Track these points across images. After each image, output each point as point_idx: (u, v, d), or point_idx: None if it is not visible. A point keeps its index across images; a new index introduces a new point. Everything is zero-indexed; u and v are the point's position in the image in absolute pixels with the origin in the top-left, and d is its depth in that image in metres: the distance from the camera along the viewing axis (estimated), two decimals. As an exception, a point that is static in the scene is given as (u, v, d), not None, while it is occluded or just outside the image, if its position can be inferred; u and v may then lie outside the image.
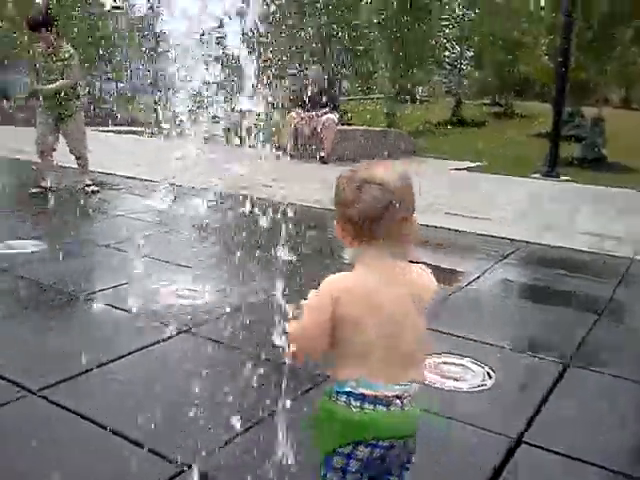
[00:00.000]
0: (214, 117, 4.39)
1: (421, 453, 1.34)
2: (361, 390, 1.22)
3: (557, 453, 1.91)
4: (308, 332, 1.26)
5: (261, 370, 2.16)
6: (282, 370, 1.99)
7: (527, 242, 4.78)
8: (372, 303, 1.24)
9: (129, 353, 2.46)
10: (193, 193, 5.25)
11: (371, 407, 1.22)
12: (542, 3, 15.66)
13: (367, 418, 1.22)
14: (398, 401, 1.24)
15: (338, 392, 1.25)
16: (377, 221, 1.23)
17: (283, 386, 2.01)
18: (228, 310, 2.91)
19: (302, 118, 9.35)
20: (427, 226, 5.00)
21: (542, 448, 1.94)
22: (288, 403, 1.88)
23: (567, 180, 9.09)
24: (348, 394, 1.23)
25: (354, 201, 1.24)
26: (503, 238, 4.88)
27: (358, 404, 1.23)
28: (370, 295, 1.25)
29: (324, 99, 9.33)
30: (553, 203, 6.89)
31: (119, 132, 13.19)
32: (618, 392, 2.39)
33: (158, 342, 2.56)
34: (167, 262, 3.73)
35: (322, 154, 9.02)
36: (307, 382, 2.22)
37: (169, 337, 2.59)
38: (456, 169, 9.61)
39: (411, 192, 1.29)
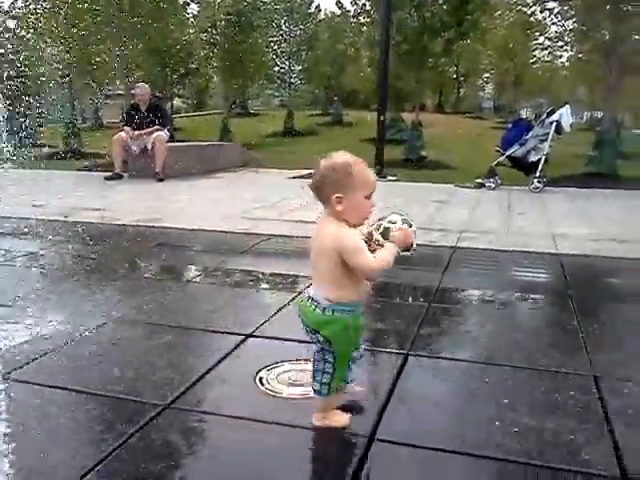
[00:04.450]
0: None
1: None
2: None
3: (411, 445, 1.92)
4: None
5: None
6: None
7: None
8: None
9: None
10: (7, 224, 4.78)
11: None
12: (362, 19, 16.51)
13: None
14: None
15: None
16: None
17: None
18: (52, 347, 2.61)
19: (131, 137, 9.02)
20: (282, 236, 5.00)
21: (394, 443, 1.92)
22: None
23: (394, 180, 9.64)
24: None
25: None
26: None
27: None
28: None
29: (152, 117, 9.08)
30: (379, 202, 7.19)
31: None
32: (459, 374, 2.47)
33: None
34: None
35: (157, 170, 8.76)
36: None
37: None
38: (293, 177, 9.75)
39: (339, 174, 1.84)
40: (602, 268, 4.33)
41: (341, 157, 1.87)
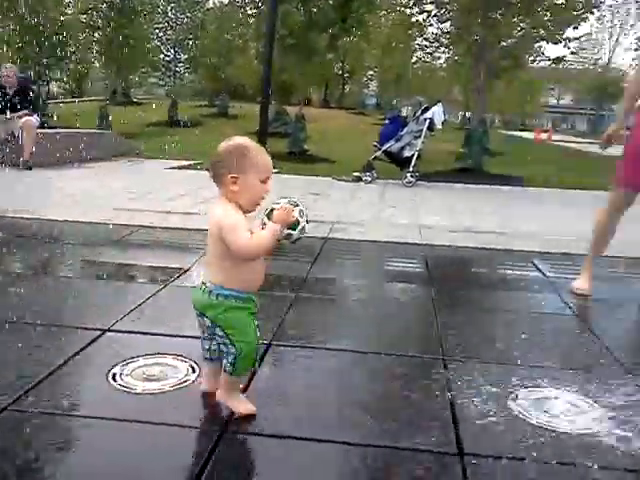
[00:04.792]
0: None
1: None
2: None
3: (264, 435, 1.93)
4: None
5: None
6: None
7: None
8: None
9: None
10: None
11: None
12: (249, 10, 16.38)
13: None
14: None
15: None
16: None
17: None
18: None
19: (-2, 121, 8.40)
20: (158, 228, 4.84)
21: (246, 433, 1.93)
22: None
23: (276, 172, 9.62)
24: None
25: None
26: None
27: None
28: None
29: (20, 101, 8.50)
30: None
31: None
32: (319, 362, 2.52)
33: None
34: None
35: (25, 158, 8.20)
36: None
37: None
38: (172, 168, 9.53)
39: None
40: (458, 257, 4.62)
41: (239, 139, 1.93)
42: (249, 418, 2.01)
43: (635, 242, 4.40)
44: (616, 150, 3.61)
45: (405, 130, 8.99)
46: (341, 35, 12.76)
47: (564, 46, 10.39)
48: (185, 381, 2.25)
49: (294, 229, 1.92)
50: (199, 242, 4.56)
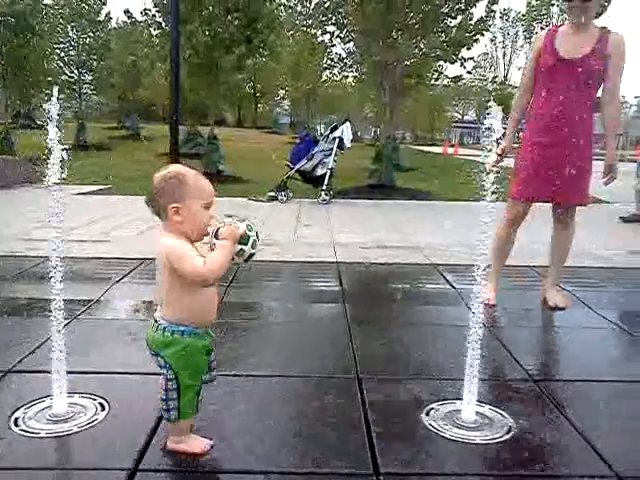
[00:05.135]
0: None
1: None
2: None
3: (178, 471, 1.89)
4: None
5: None
6: None
7: (147, 259, 4.80)
8: None
9: None
10: None
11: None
12: (153, 31, 16.07)
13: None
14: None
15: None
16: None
17: None
18: None
19: None
20: (65, 258, 4.63)
21: (159, 470, 1.88)
22: None
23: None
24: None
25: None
26: (125, 258, 4.81)
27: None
28: None
29: None
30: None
31: None
32: (239, 390, 2.47)
33: None
34: None
35: None
36: None
37: None
38: (81, 193, 9.19)
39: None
40: (371, 273, 4.71)
41: (174, 168, 1.87)
42: (161, 454, 1.95)
43: (536, 251, 4.64)
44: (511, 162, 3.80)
45: (316, 149, 9.11)
46: (248, 55, 12.78)
47: (460, 65, 10.94)
48: (94, 420, 2.16)
49: (245, 244, 1.85)
50: (109, 271, 4.42)
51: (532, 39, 3.60)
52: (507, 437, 2.12)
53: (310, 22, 11.74)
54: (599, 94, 3.53)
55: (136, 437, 2.04)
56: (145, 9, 14.35)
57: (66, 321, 3.18)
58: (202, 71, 12.41)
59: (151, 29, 14.83)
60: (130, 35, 22.72)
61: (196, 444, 1.96)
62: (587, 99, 3.47)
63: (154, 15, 13.90)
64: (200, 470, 1.89)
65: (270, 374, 2.64)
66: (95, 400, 2.30)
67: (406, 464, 1.94)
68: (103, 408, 2.25)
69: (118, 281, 4.17)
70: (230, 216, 1.89)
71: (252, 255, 1.88)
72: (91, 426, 2.12)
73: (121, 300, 3.85)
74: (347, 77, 15.88)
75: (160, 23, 13.70)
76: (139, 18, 17.38)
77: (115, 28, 25.22)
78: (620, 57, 3.44)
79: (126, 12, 19.69)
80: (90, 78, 23.74)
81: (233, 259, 1.84)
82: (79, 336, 3.04)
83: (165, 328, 1.85)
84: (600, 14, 3.50)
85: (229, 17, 12.17)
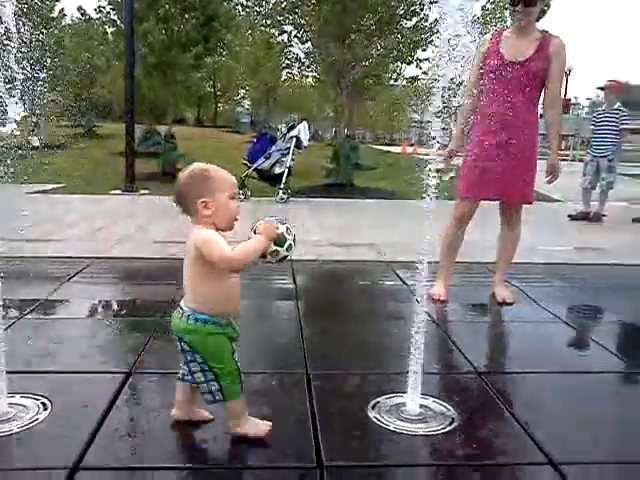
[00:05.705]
0: None
1: None
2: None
3: (121, 468, 1.88)
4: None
5: None
6: None
7: (98, 257, 4.74)
8: None
9: None
10: None
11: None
12: (108, 29, 15.79)
13: None
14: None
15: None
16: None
17: None
18: None
19: None
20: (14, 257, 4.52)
21: (100, 469, 1.86)
22: None
23: (145, 193, 9.46)
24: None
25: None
26: (75, 257, 4.72)
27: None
28: None
29: None
30: (128, 217, 7.06)
31: None
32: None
33: None
34: None
35: None
36: None
37: None
38: (34, 192, 8.98)
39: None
40: (326, 271, 4.75)
41: (196, 165, 1.97)
42: (100, 453, 1.94)
43: (487, 247, 4.75)
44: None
45: (274, 148, 9.10)
46: (205, 54, 12.69)
47: (416, 66, 11.10)
48: (35, 420, 2.13)
49: (281, 246, 1.90)
50: (58, 271, 4.33)
51: (478, 42, 3.69)
52: (450, 428, 2.16)
53: (268, 22, 11.65)
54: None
55: (77, 436, 2.02)
56: (99, 6, 14.11)
57: (11, 321, 3.14)
58: (159, 70, 12.28)
59: (106, 27, 14.57)
60: (85, 33, 22.31)
61: (257, 427, 2.02)
62: (531, 100, 3.58)
63: (108, 13, 13.67)
64: (140, 466, 1.88)
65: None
66: (37, 400, 2.26)
67: (350, 457, 1.97)
68: (45, 408, 2.21)
69: (67, 280, 4.10)
70: (272, 217, 1.97)
71: (285, 257, 1.95)
72: (32, 426, 2.08)
73: (69, 300, 3.78)
74: (307, 77, 15.91)
75: (115, 21, 13.48)
76: (93, 15, 17.06)
77: (70, 25, 24.71)
78: (561, 60, 3.56)
79: (79, 9, 19.32)
80: (44, 75, 23.19)
81: (266, 257, 1.92)
82: (24, 336, 2.98)
83: (189, 316, 1.93)
84: (540, 18, 3.60)
85: (186, 16, 12.07)
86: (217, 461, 1.95)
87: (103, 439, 2.02)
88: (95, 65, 23.09)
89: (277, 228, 1.91)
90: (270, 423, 2.05)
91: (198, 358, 1.94)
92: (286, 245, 1.92)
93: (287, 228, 1.94)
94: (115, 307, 3.79)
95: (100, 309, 3.73)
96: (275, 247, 1.91)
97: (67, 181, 10.38)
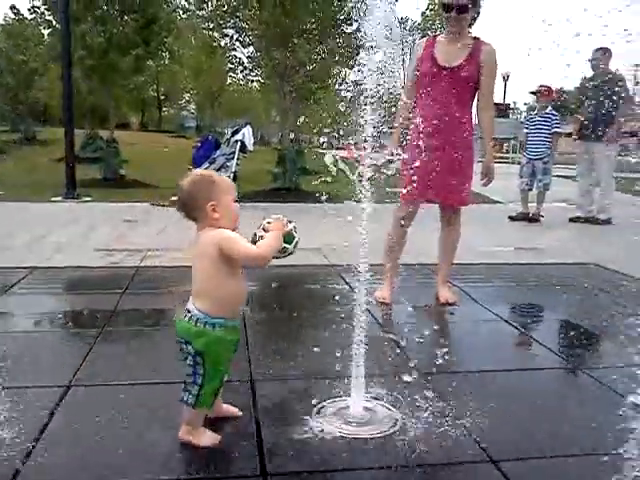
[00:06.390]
0: None
1: None
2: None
3: None
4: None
5: None
6: None
7: (38, 267, 4.59)
8: None
9: None
10: None
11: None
12: (44, 30, 15.27)
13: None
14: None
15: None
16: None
17: None
18: None
19: None
20: None
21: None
22: None
23: (87, 200, 9.25)
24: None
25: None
26: (14, 268, 4.57)
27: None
28: None
29: None
30: (69, 224, 6.86)
31: None
32: (128, 401, 2.41)
33: None
34: None
35: None
36: None
37: None
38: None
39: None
40: (272, 276, 4.70)
41: (196, 172, 2.09)
42: (46, 465, 1.88)
43: (430, 249, 4.83)
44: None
45: (218, 152, 9.02)
46: (146, 57, 12.46)
47: (358, 70, 11.16)
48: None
49: (289, 243, 2.02)
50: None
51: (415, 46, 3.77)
52: (393, 430, 2.19)
53: (210, 25, 11.51)
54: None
55: (18, 445, 1.97)
56: (33, 6, 13.66)
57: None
58: (98, 73, 11.97)
59: (41, 28, 14.12)
60: (20, 34, 21.54)
61: (205, 438, 2.03)
62: (465, 104, 3.67)
63: (43, 13, 13.24)
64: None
65: (160, 381, 2.59)
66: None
67: (294, 463, 1.96)
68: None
69: (5, 292, 3.95)
70: (279, 215, 2.09)
71: (290, 254, 2.09)
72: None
73: (5, 311, 3.64)
74: (252, 81, 15.82)
75: (51, 22, 13.06)
76: (28, 16, 16.50)
77: (2, 25, 23.82)
78: (491, 66, 3.67)
79: (12, 8, 18.64)
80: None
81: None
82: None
83: (198, 319, 1.95)
84: (472, 25, 3.70)
85: (125, 18, 11.82)
86: (162, 473, 1.90)
87: (41, 452, 1.97)
88: (31, 67, 22.34)
89: (287, 224, 2.05)
90: (219, 437, 2.06)
91: (198, 360, 1.96)
92: (294, 243, 2.07)
93: (294, 227, 2.08)
94: (55, 318, 3.65)
95: (39, 320, 3.60)
96: (284, 244, 2.03)
97: (6, 189, 10.01)
